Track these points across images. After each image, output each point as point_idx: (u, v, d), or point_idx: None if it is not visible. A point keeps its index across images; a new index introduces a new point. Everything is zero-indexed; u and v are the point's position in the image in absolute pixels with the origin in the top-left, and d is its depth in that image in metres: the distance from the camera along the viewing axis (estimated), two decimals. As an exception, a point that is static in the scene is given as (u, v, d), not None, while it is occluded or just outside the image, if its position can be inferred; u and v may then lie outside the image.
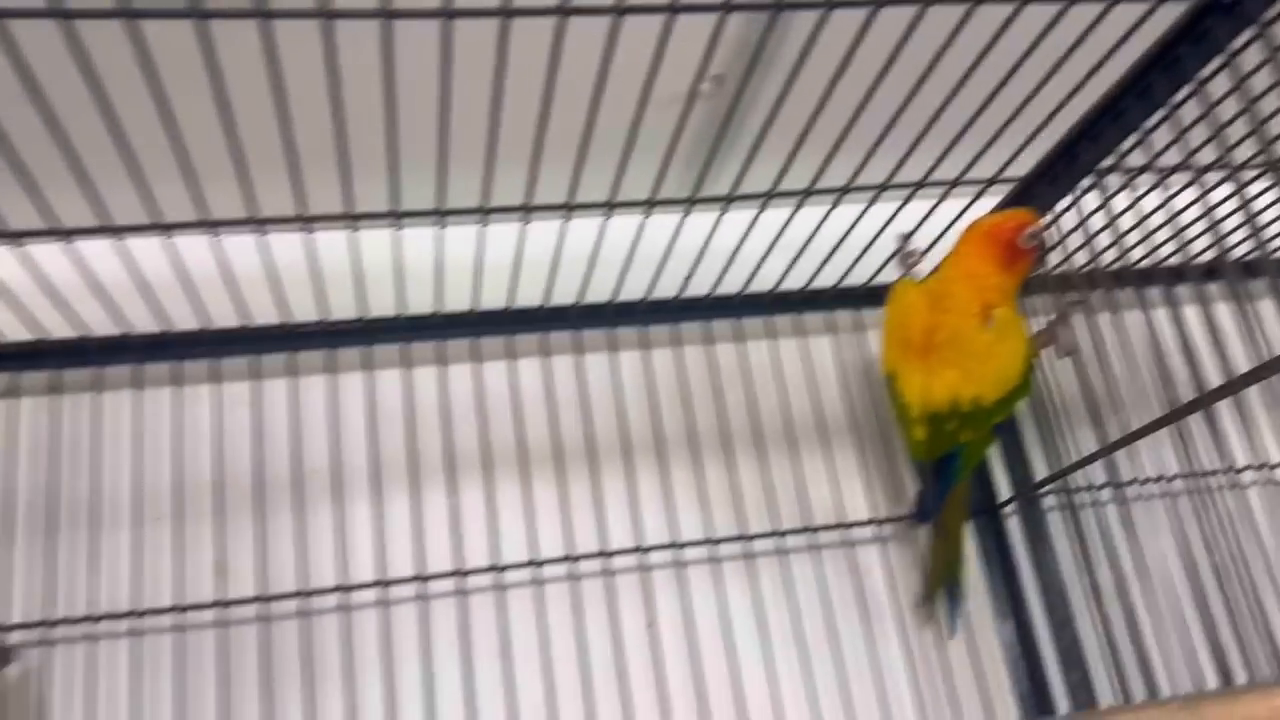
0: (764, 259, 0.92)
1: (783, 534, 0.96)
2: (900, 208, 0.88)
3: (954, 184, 0.86)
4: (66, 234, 0.72)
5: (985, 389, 0.85)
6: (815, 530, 0.97)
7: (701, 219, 0.84)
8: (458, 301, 0.93)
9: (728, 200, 0.81)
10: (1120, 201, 0.87)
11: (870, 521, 0.99)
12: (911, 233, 0.93)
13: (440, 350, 0.97)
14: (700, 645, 0.91)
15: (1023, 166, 0.87)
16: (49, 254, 0.76)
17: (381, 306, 0.92)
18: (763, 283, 0.98)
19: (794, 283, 0.99)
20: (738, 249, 0.90)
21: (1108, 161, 0.83)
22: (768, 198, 0.82)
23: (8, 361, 0.88)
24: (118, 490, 0.88)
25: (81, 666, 0.83)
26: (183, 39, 0.55)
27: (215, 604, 0.85)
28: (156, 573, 0.87)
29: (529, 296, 0.94)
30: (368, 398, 0.94)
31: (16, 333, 0.85)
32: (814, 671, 0.92)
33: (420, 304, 0.92)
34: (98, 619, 0.84)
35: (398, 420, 0.94)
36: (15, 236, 0.71)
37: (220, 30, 0.55)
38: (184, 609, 0.85)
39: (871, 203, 0.86)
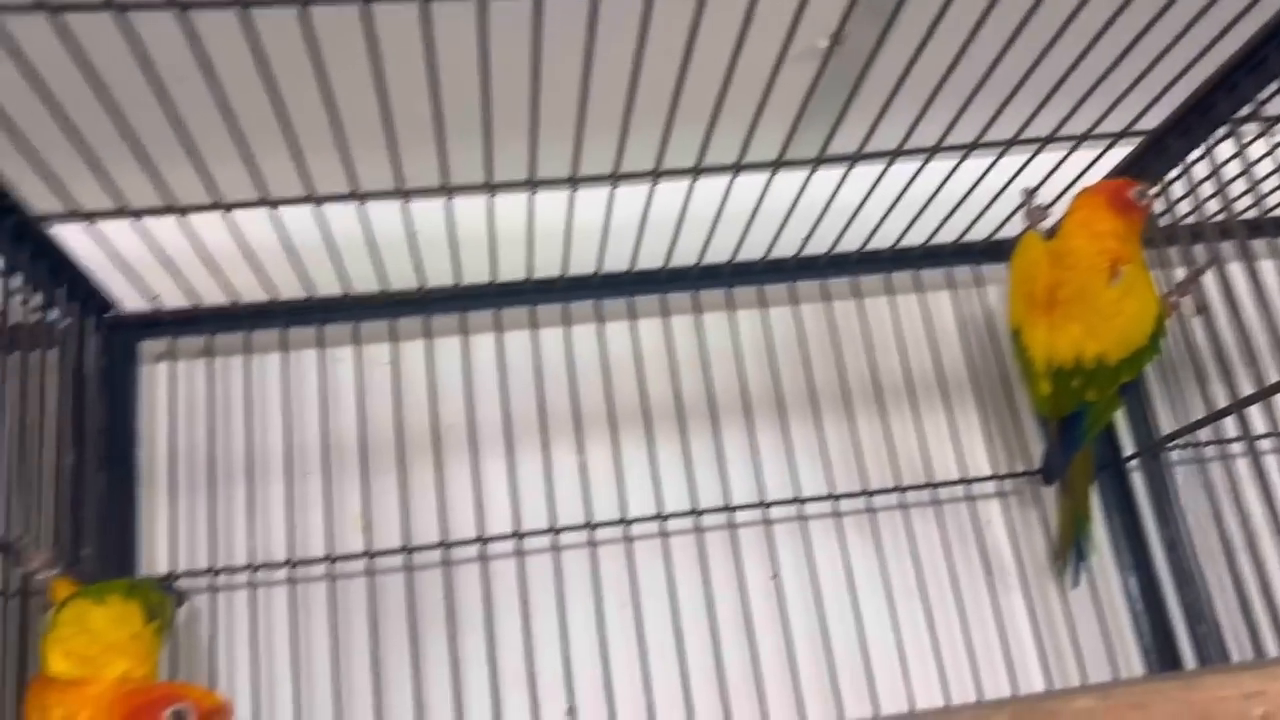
0: (886, 216, 0.93)
1: (904, 489, 0.98)
2: (1027, 162, 0.88)
3: (1083, 138, 0.85)
4: (226, 207, 0.76)
5: (1109, 347, 0.85)
6: (937, 486, 0.98)
7: (821, 177, 0.85)
8: (582, 265, 0.95)
9: (854, 158, 0.82)
10: (1256, 150, 0.85)
11: (992, 477, 1.00)
12: (1037, 187, 0.92)
13: (566, 312, 0.99)
14: (824, 598, 0.93)
15: (1150, 120, 0.86)
16: (207, 223, 0.80)
17: (511, 271, 0.95)
18: (881, 240, 0.98)
19: (913, 239, 0.99)
20: (860, 207, 0.90)
21: (1244, 110, 0.82)
22: (895, 155, 0.82)
23: (167, 327, 0.93)
24: (271, 447, 0.94)
25: (245, 611, 0.89)
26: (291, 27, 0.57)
27: (363, 554, 0.90)
28: (308, 525, 0.93)
29: (651, 258, 0.96)
30: (498, 358, 0.97)
31: (175, 299, 0.90)
32: (937, 624, 0.94)
33: (547, 268, 0.95)
34: (257, 568, 0.90)
35: (527, 379, 0.98)
36: (181, 210, 0.76)
37: (324, 16, 0.57)
38: (335, 559, 0.90)
39: (999, 158, 0.86)
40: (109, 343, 0.92)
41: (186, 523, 0.92)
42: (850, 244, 0.98)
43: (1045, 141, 0.84)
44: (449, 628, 0.89)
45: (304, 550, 0.91)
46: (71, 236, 0.81)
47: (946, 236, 0.99)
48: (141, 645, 0.69)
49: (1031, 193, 0.93)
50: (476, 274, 0.94)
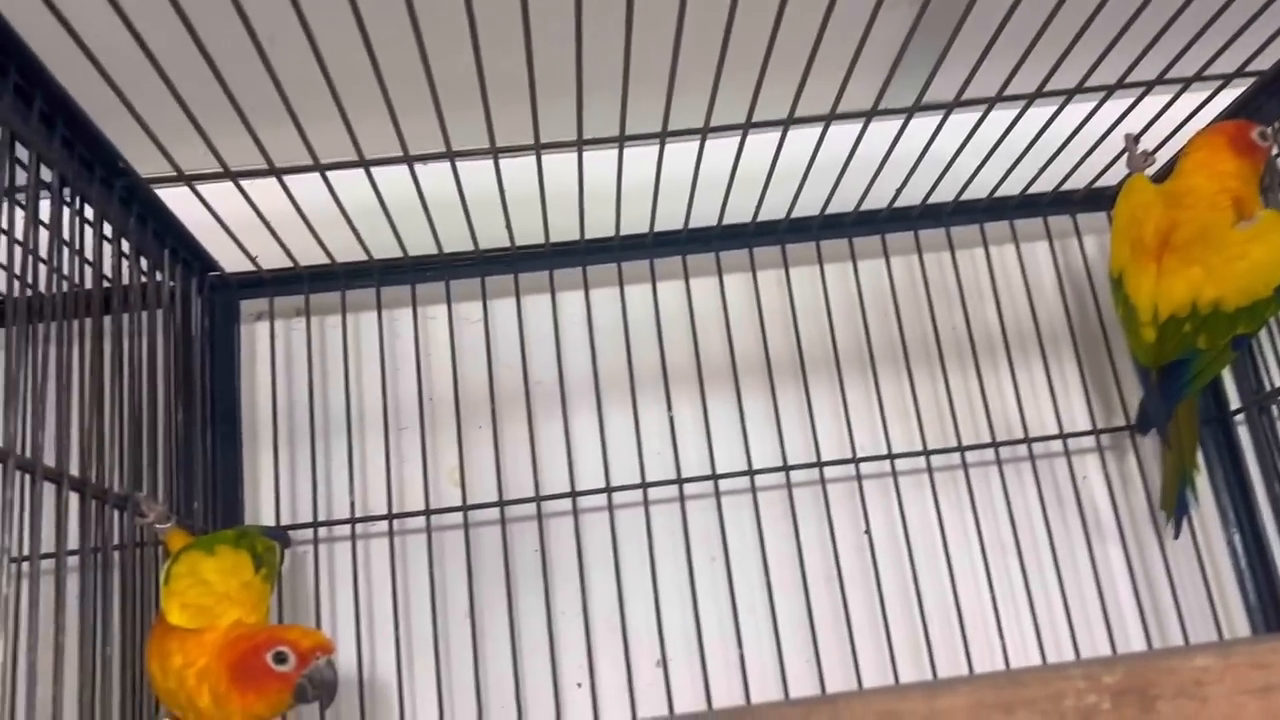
0: (982, 165, 0.90)
1: (997, 445, 0.96)
2: (1131, 107, 0.85)
3: (1193, 80, 0.81)
4: (323, 168, 0.77)
5: (1227, 292, 0.81)
6: (1032, 441, 0.96)
7: (914, 126, 0.83)
8: (671, 220, 0.95)
9: (951, 106, 0.80)
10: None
11: (1090, 432, 0.98)
12: (1141, 133, 0.89)
13: (653, 268, 0.99)
14: (915, 554, 0.93)
15: (1263, 61, 0.82)
16: (304, 184, 0.81)
17: (600, 227, 0.95)
18: (976, 190, 0.96)
19: (1009, 189, 0.96)
20: (956, 156, 0.88)
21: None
22: (993, 102, 0.80)
23: (267, 287, 0.96)
24: (369, 404, 0.96)
25: (347, 561, 0.92)
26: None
27: (460, 508, 0.92)
28: (405, 479, 0.95)
29: (739, 213, 0.95)
30: (586, 314, 0.98)
31: (273, 260, 0.93)
32: (1031, 582, 0.92)
33: (635, 224, 0.95)
34: (359, 520, 0.92)
35: (616, 335, 0.98)
36: (279, 172, 0.77)
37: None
38: (432, 512, 0.92)
39: (1101, 103, 0.83)
40: (212, 303, 0.95)
41: (289, 477, 0.95)
42: (944, 194, 0.96)
43: (1152, 85, 0.81)
44: (543, 579, 0.91)
45: (403, 504, 0.94)
46: (174, 199, 0.83)
47: (1044, 185, 0.96)
48: (252, 593, 0.72)
49: (1135, 138, 0.90)
50: (565, 232, 0.95)
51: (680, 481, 0.94)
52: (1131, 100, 0.84)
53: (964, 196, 0.97)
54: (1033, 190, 0.97)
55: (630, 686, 0.88)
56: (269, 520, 0.93)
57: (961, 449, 0.96)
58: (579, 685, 0.91)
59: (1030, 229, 1.02)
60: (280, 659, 0.67)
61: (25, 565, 0.59)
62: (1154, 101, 0.85)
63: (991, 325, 1.01)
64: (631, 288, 0.99)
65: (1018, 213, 1.00)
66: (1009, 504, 0.94)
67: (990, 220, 1.01)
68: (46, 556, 0.61)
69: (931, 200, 0.97)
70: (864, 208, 0.96)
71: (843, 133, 0.83)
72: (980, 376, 0.97)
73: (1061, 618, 0.91)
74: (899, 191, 0.95)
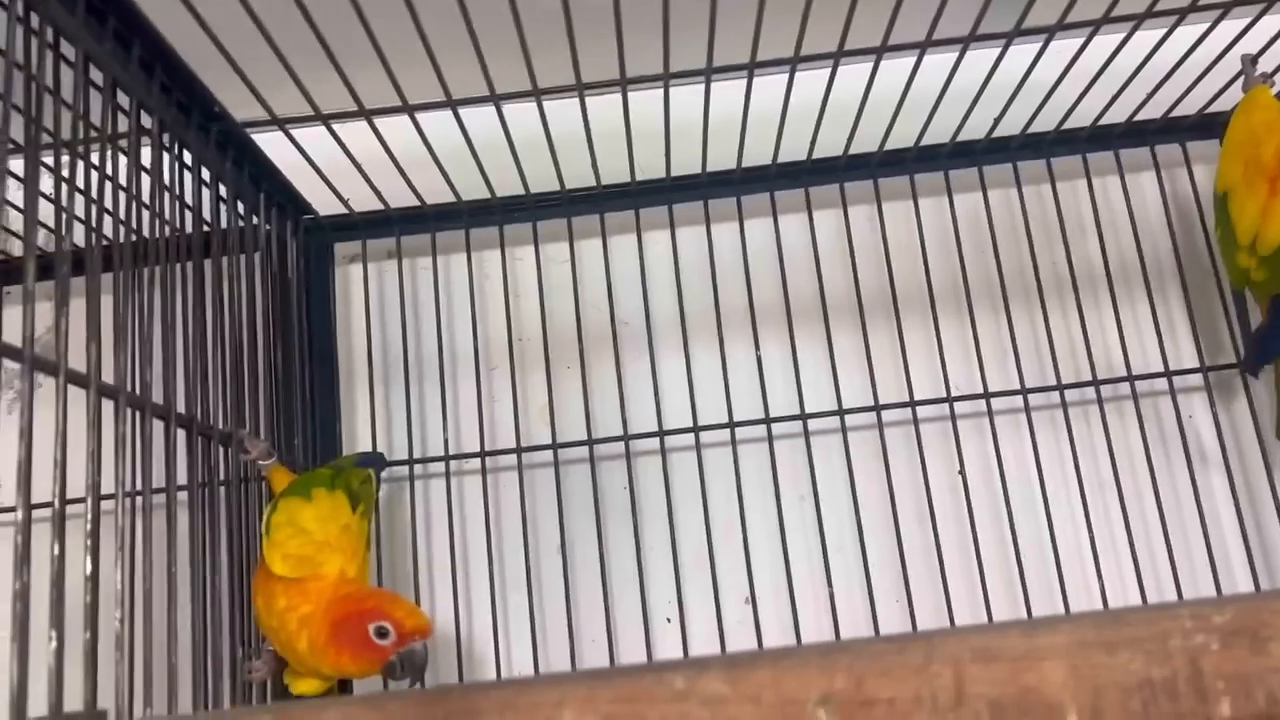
0: (1085, 92, 0.86)
1: (1097, 383, 0.93)
2: (1249, 26, 0.80)
3: (1320, -7, 0.76)
4: (412, 109, 0.78)
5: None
6: (1135, 379, 0.93)
7: (1013, 53, 0.79)
8: (759, 156, 0.93)
9: (1054, 30, 0.76)
10: None
11: (1197, 370, 0.94)
12: (1260, 53, 0.84)
13: (741, 205, 0.98)
14: (1010, 494, 0.91)
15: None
16: (393, 126, 0.82)
17: (686, 164, 0.94)
18: (1078, 119, 0.92)
19: (1114, 116, 0.92)
20: (1057, 83, 0.84)
21: None
22: (1098, 25, 0.76)
23: (359, 229, 0.97)
24: (460, 344, 0.98)
25: (442, 498, 0.94)
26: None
27: (549, 446, 0.94)
28: (496, 417, 0.96)
29: (830, 147, 0.93)
30: (673, 253, 0.97)
31: (364, 203, 0.94)
32: (1133, 521, 0.90)
33: (722, 160, 0.94)
34: (452, 458, 0.94)
35: (703, 274, 0.97)
36: (368, 114, 0.78)
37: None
38: (523, 450, 0.94)
39: (1216, 22, 0.79)
40: (307, 246, 0.97)
41: (384, 415, 0.97)
42: (1044, 124, 0.92)
43: (1272, 1, 0.76)
44: (631, 516, 0.92)
45: (494, 442, 0.95)
46: (268, 144, 0.85)
47: (1152, 112, 0.92)
48: (351, 537, 0.74)
49: (1253, 59, 0.85)
50: (651, 169, 0.94)
51: (768, 421, 0.93)
52: (1250, 19, 0.79)
53: (1066, 125, 0.93)
54: (1140, 117, 0.92)
55: (719, 622, 0.89)
56: (366, 458, 0.96)
57: (1061, 387, 0.93)
58: (668, 620, 0.92)
59: (1136, 158, 0.98)
60: (381, 633, 0.69)
61: (139, 500, 0.61)
62: (1274, 20, 0.80)
63: (1094, 260, 0.97)
64: (718, 225, 0.98)
65: (1123, 141, 0.96)
66: (1109, 443, 0.91)
67: (1094, 150, 0.97)
68: (158, 491, 0.64)
69: (1031, 130, 0.93)
70: (960, 139, 0.93)
71: (938, 61, 0.80)
72: (1081, 313, 0.94)
73: (1164, 559, 0.89)
74: (997, 121, 0.91)
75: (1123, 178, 0.96)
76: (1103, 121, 0.93)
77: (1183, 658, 0.39)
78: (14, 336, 0.51)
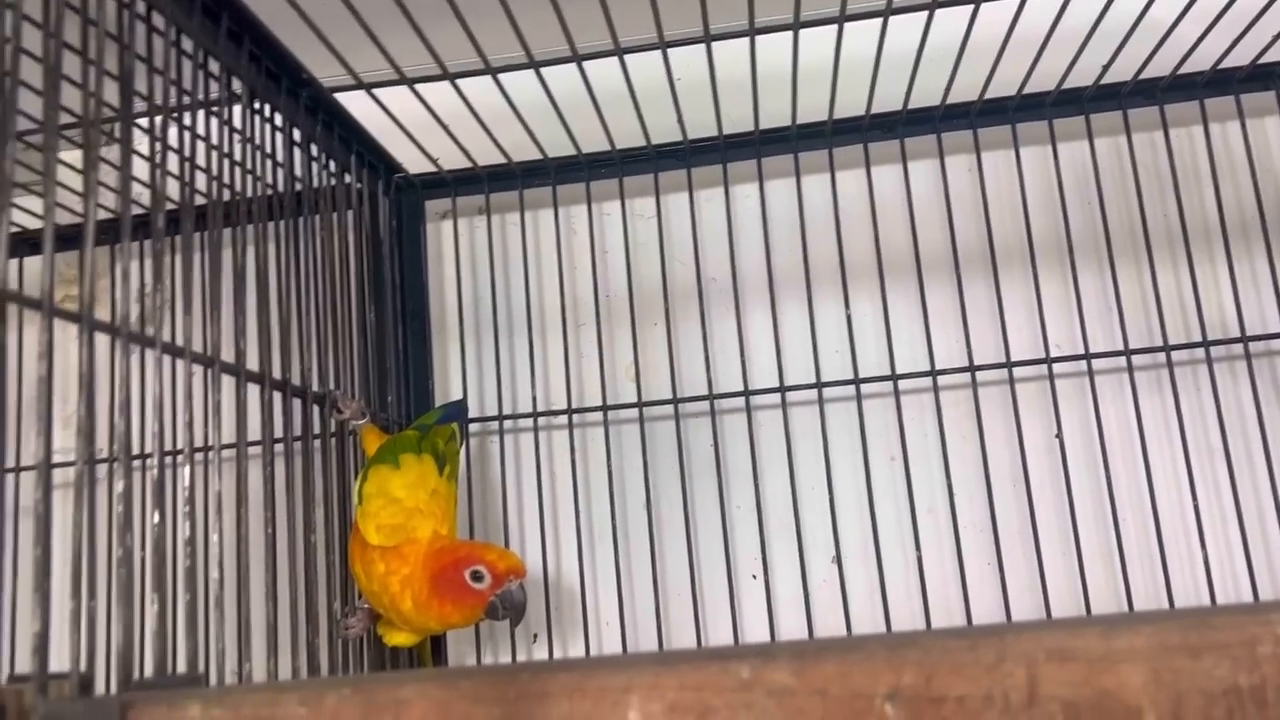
0: (1205, 34, 0.81)
1: (1208, 343, 0.89)
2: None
3: None
4: (494, 71, 0.77)
5: None
6: (1249, 339, 0.88)
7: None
8: (851, 107, 0.90)
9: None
10: None
11: (1319, 330, 0.89)
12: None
13: (832, 158, 0.95)
14: (1111, 458, 0.88)
15: None
16: (477, 86, 0.81)
17: (775, 116, 0.91)
18: (1196, 62, 0.86)
19: (1235, 59, 0.86)
20: (1174, 25, 0.79)
21: None
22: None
23: (448, 187, 0.98)
24: (549, 301, 0.98)
25: (531, 454, 0.95)
26: None
27: (635, 404, 0.94)
28: (584, 374, 0.97)
29: (926, 96, 0.89)
30: (761, 208, 0.95)
31: (452, 162, 0.94)
32: (1242, 491, 0.86)
33: (814, 111, 0.91)
34: (541, 414, 0.95)
35: (792, 229, 0.95)
36: (451, 77, 0.78)
37: None
38: (610, 408, 0.94)
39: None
40: (398, 204, 0.98)
41: (475, 371, 0.99)
42: (1159, 68, 0.87)
43: None
44: (717, 475, 0.92)
45: (582, 399, 0.96)
46: (356, 104, 0.85)
47: (1277, 54, 0.85)
48: (440, 501, 0.76)
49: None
50: (739, 122, 0.92)
51: (858, 382, 0.92)
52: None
53: (1182, 70, 0.87)
54: (1264, 60, 0.86)
55: (804, 581, 0.89)
56: (457, 413, 0.97)
57: (1168, 348, 0.89)
58: (754, 577, 0.93)
59: (1259, 103, 0.91)
60: (477, 577, 0.71)
61: (235, 459, 0.64)
62: None
63: (1209, 212, 0.92)
64: (809, 178, 0.96)
65: (1244, 86, 0.90)
66: (1219, 408, 0.87)
67: (1212, 95, 0.91)
68: (254, 444, 0.66)
69: (1145, 75, 0.88)
70: (1066, 86, 0.89)
71: (1043, 2, 0.75)
72: (1192, 268, 0.89)
73: (1275, 532, 0.85)
74: (1106, 67, 0.86)
75: (1244, 123, 0.90)
76: (1224, 65, 0.87)
77: (1273, 665, 0.37)
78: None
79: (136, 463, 0.75)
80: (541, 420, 0.96)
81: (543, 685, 0.40)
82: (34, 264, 0.83)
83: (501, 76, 0.78)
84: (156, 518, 0.52)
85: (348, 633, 0.76)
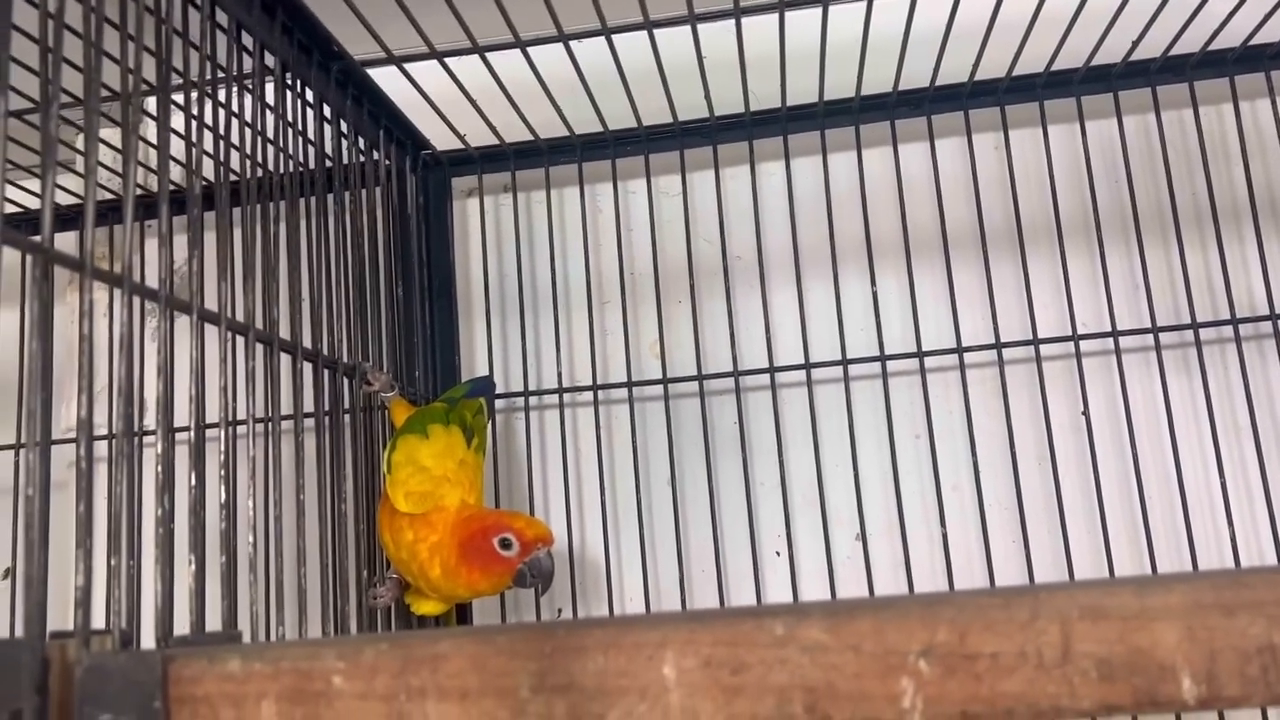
0: (1235, 10, 0.80)
1: (1236, 321, 0.88)
2: None
3: None
4: (523, 44, 0.77)
5: None
6: (1278, 318, 0.88)
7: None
8: (878, 84, 0.90)
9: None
10: None
11: (1349, 308, 0.88)
12: None
13: (859, 135, 0.95)
14: (1138, 436, 0.88)
15: None
16: (506, 61, 0.81)
17: (802, 93, 0.91)
18: (1226, 39, 0.86)
19: (1267, 35, 0.86)
20: (1203, 3, 0.79)
21: None
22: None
23: (475, 163, 0.98)
24: (574, 277, 0.99)
25: (556, 429, 0.96)
26: None
27: (660, 381, 0.94)
28: (609, 351, 0.97)
29: (953, 73, 0.89)
30: (787, 185, 0.95)
31: (479, 139, 0.95)
32: (1270, 470, 0.85)
33: (841, 88, 0.91)
34: (566, 390, 0.96)
35: (817, 206, 0.95)
36: (480, 50, 0.78)
37: None
38: (635, 384, 0.95)
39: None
40: (425, 180, 0.98)
41: (501, 347, 0.99)
42: (1188, 44, 0.86)
43: None
44: (741, 451, 0.92)
45: (606, 375, 0.97)
46: (385, 81, 0.86)
47: (1312, 29, 0.85)
48: (468, 470, 0.77)
49: None
50: (766, 99, 0.92)
51: (883, 359, 0.92)
52: None
53: (1212, 46, 0.87)
54: (1299, 35, 0.86)
55: (829, 558, 0.89)
56: (483, 389, 0.98)
57: (1195, 325, 0.88)
58: (778, 554, 0.93)
59: (1291, 79, 0.91)
60: (506, 545, 0.72)
61: (270, 429, 0.64)
62: None
63: (1238, 190, 0.91)
64: (835, 156, 0.96)
65: (1275, 63, 0.89)
66: (1247, 386, 0.86)
67: (1242, 72, 0.90)
68: (287, 418, 0.67)
69: (1174, 52, 0.87)
70: (1095, 63, 0.88)
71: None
72: (1221, 246, 0.89)
73: (1301, 508, 0.85)
74: (1135, 44, 0.86)
75: (1274, 100, 0.90)
76: (1254, 42, 0.86)
77: (1309, 624, 0.37)
78: (152, 271, 0.54)
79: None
80: (567, 397, 0.96)
81: (578, 640, 0.41)
82: (64, 240, 0.83)
83: (530, 51, 0.78)
84: (193, 480, 0.53)
85: (376, 602, 0.77)
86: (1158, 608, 0.38)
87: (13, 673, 0.40)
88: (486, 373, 0.97)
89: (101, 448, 0.89)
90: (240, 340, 0.61)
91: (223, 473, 0.56)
